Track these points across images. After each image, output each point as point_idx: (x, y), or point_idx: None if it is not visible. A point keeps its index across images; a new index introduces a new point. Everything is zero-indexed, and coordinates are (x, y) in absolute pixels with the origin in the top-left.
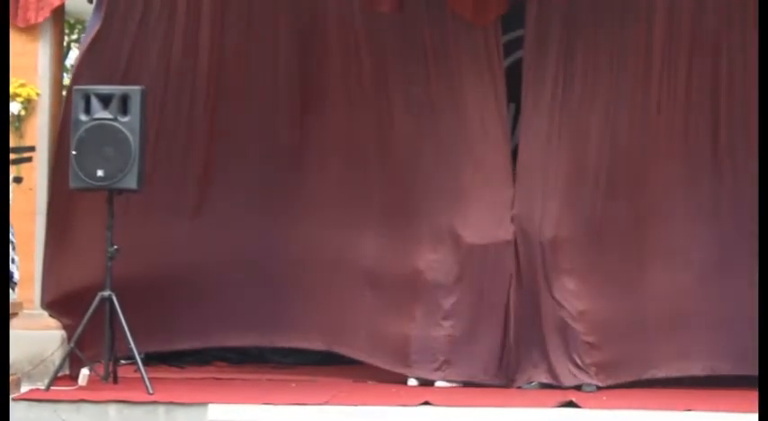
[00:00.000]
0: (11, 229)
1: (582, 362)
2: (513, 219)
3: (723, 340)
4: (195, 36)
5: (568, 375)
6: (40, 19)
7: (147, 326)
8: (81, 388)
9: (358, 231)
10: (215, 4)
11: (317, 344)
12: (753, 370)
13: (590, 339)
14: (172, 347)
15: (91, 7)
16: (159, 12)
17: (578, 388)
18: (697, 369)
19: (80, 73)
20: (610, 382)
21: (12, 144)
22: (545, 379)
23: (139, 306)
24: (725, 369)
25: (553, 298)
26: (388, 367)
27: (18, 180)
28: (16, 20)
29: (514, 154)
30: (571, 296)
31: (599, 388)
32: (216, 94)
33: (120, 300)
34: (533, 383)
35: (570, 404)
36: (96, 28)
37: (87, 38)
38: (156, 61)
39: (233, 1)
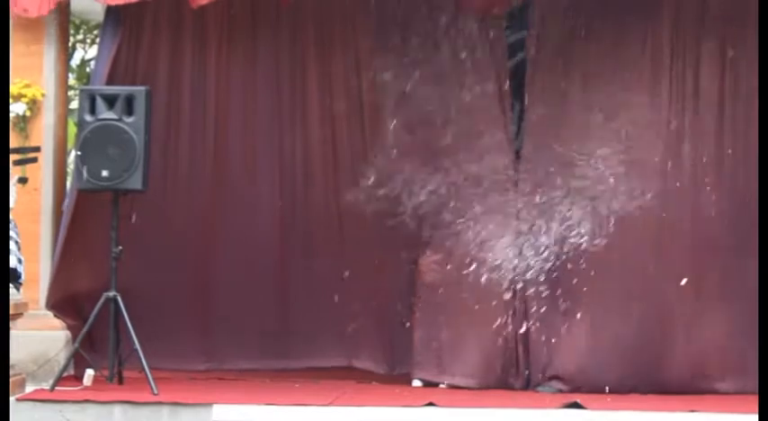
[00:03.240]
0: (16, 229)
1: (563, 371)
2: (515, 220)
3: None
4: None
5: (552, 382)
6: (44, 12)
7: (155, 343)
8: (86, 388)
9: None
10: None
11: (337, 361)
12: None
13: (576, 347)
14: (180, 367)
15: (95, 7)
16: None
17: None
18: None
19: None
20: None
21: (17, 145)
22: (545, 383)
23: (148, 321)
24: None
25: (548, 300)
26: (394, 371)
27: (23, 180)
28: (16, 8)
29: (518, 154)
30: (566, 299)
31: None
32: (225, 96)
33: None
34: (541, 386)
35: (575, 405)
36: (117, 39)
37: (110, 50)
38: (168, 66)
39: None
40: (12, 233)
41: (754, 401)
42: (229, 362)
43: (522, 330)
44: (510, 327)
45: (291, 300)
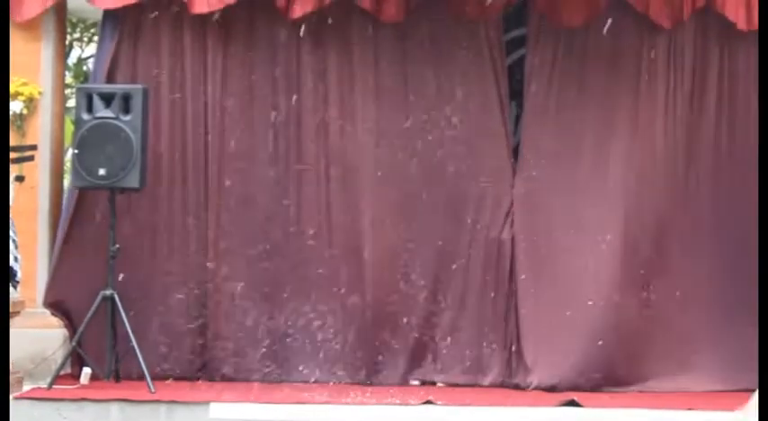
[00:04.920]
0: (13, 227)
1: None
2: (513, 219)
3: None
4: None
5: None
6: (39, 10)
7: (150, 345)
8: (83, 386)
9: (359, 235)
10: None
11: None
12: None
13: (570, 346)
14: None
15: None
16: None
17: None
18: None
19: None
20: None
21: (14, 143)
22: (537, 380)
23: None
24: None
25: (546, 298)
26: (393, 371)
27: (20, 179)
28: (15, 16)
29: (516, 152)
30: (567, 297)
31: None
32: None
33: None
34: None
35: (572, 403)
36: (116, 37)
37: (109, 48)
38: (168, 64)
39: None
40: (9, 231)
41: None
42: (226, 370)
43: (518, 327)
44: (506, 325)
45: (287, 305)
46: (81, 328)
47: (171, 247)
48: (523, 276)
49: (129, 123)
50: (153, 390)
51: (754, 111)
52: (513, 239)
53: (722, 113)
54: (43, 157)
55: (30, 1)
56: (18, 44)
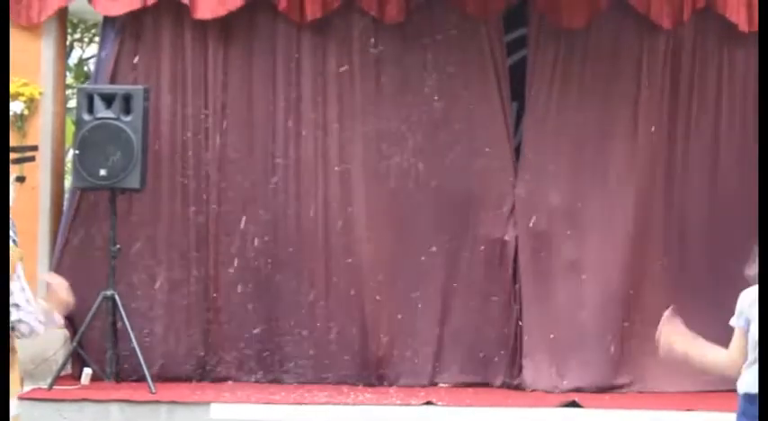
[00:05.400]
0: (14, 228)
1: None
2: (514, 219)
3: None
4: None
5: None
6: (43, 18)
7: (150, 347)
8: (84, 387)
9: (357, 235)
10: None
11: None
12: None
13: (570, 345)
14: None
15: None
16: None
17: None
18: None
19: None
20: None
21: (14, 143)
22: (538, 381)
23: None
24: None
25: (547, 298)
26: (393, 371)
27: (21, 179)
28: (19, 19)
29: (517, 152)
30: (569, 296)
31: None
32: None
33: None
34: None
35: (573, 404)
36: (118, 39)
37: (111, 49)
38: (170, 71)
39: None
40: (10, 232)
41: None
42: (225, 372)
43: (520, 328)
44: (508, 325)
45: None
46: (82, 329)
47: (171, 248)
48: (525, 276)
49: (129, 124)
50: (153, 391)
51: (753, 113)
52: (515, 240)
53: (722, 115)
54: (44, 158)
55: (36, 6)
56: (19, 44)
